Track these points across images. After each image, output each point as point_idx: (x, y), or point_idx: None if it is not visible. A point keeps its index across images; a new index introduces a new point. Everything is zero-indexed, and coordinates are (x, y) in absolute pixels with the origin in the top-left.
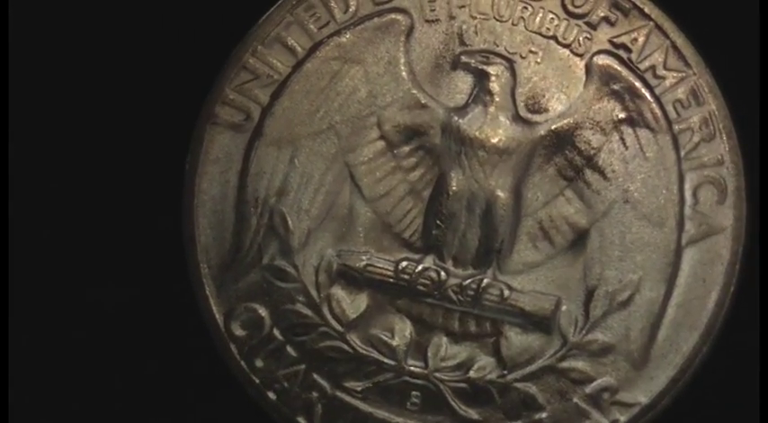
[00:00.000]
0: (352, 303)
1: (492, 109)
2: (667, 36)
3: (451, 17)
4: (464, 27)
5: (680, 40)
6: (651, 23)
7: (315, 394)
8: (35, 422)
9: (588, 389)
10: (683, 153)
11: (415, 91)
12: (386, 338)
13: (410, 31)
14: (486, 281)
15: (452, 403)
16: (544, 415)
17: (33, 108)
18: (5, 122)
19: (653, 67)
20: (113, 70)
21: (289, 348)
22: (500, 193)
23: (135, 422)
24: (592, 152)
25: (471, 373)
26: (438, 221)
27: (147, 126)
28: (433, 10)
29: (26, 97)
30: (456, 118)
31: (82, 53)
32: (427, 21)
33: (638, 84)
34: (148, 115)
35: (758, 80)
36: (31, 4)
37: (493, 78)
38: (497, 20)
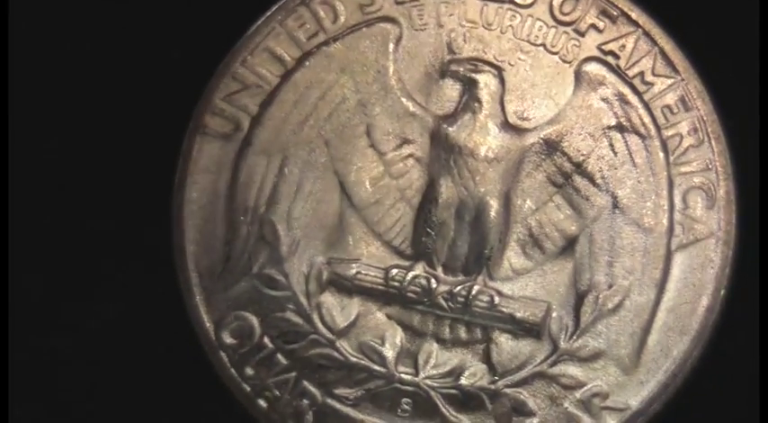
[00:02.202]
0: (343, 311)
1: (481, 117)
2: (655, 42)
3: (440, 25)
4: (453, 35)
5: (668, 45)
6: (639, 30)
7: (305, 402)
8: None
9: (579, 394)
10: (672, 158)
11: (403, 99)
12: (376, 346)
13: (399, 39)
14: (476, 288)
15: (443, 410)
16: (535, 421)
17: (26, 116)
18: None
19: (641, 74)
20: (103, 80)
21: (279, 356)
22: (489, 201)
23: None
24: (581, 158)
25: (462, 380)
26: (428, 229)
27: (137, 136)
28: (422, 18)
29: (20, 105)
30: (445, 126)
31: (72, 62)
32: (416, 29)
33: (626, 90)
34: (138, 125)
35: (748, 84)
36: (25, 17)
37: (482, 86)
38: (486, 28)
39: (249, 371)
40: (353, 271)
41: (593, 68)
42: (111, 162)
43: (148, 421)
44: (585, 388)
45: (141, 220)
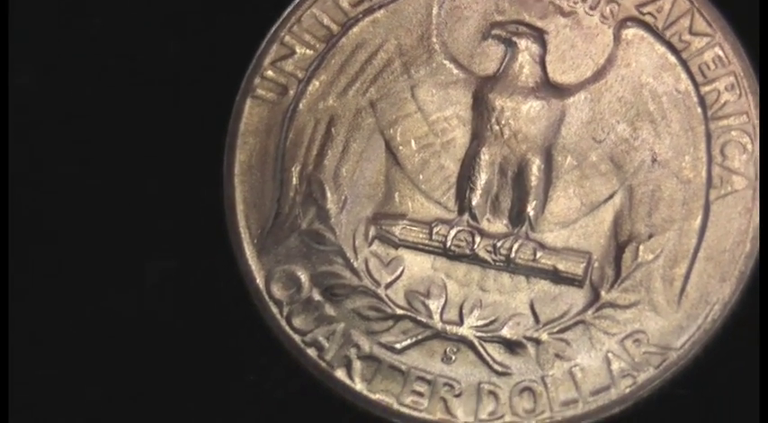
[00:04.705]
0: (389, 264)
1: (522, 77)
2: (692, 2)
3: None
4: None
5: (704, 5)
6: None
7: (353, 351)
8: (76, 387)
9: (620, 340)
10: (709, 113)
11: (447, 62)
12: (422, 297)
13: (442, 3)
14: (518, 241)
15: (487, 358)
16: (577, 365)
17: (74, 78)
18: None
19: (679, 33)
20: (157, 44)
21: (327, 308)
22: (531, 157)
23: (179, 386)
24: (620, 115)
25: (506, 329)
26: (471, 185)
27: (191, 101)
28: None
29: (66, 64)
30: (488, 86)
31: (126, 28)
32: None
33: (664, 49)
34: (191, 90)
35: None
36: None
37: (523, 48)
38: None
39: (298, 323)
40: (399, 227)
41: (632, 29)
42: (164, 126)
43: (203, 373)
44: (626, 334)
45: (195, 180)
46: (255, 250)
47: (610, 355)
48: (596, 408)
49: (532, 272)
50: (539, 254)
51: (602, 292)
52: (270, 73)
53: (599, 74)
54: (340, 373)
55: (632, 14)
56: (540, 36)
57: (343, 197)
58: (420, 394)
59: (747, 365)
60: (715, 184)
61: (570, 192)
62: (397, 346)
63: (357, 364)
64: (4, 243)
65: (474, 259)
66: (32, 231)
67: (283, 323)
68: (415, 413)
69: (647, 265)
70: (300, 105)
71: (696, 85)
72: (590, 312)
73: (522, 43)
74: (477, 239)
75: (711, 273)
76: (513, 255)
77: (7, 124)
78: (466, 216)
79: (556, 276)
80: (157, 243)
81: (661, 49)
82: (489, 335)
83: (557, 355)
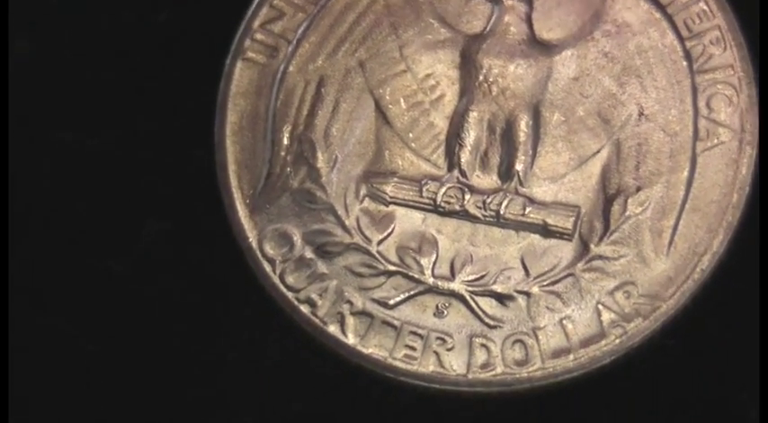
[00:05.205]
0: (380, 222)
1: (510, 35)
2: None
3: None
4: None
5: None
6: None
7: (346, 307)
8: (73, 344)
9: (609, 292)
10: (695, 67)
11: (434, 21)
12: (413, 253)
13: None
14: (508, 196)
15: (479, 311)
16: (567, 317)
17: (66, 42)
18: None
19: None
20: (148, 8)
21: (320, 265)
22: (519, 114)
23: (173, 345)
24: (606, 71)
25: (496, 283)
26: (460, 142)
27: (181, 63)
28: None
29: (57, 29)
30: (476, 45)
31: None
32: None
33: (649, 4)
34: (181, 53)
35: None
36: None
37: (509, 5)
38: None
39: (291, 280)
40: (390, 184)
41: None
42: (157, 89)
43: (196, 330)
44: (615, 286)
45: (186, 142)
46: (248, 210)
47: (600, 306)
48: (587, 359)
49: (522, 226)
50: (528, 209)
51: (592, 245)
52: (260, 35)
53: (585, 30)
54: (333, 329)
55: None
56: None
57: (333, 156)
58: (413, 348)
59: (736, 315)
60: (701, 137)
61: (558, 147)
62: (390, 301)
63: (350, 320)
64: (4, 209)
65: (464, 215)
66: (28, 194)
67: (276, 281)
68: (408, 367)
69: (636, 217)
70: (290, 67)
71: (681, 39)
72: (580, 265)
73: (509, 1)
74: (467, 196)
75: (699, 224)
76: (502, 210)
77: (7, 91)
78: (455, 173)
79: (545, 230)
80: (151, 204)
81: (646, 4)
82: (480, 289)
83: (547, 308)
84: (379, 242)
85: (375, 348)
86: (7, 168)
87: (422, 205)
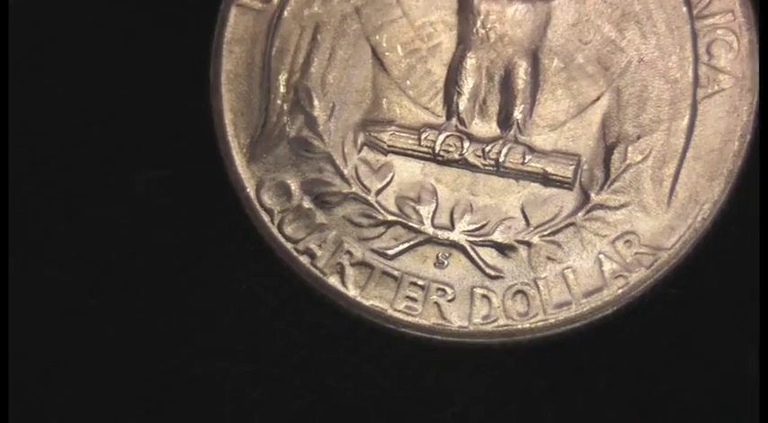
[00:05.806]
0: (379, 170)
1: None
2: None
3: None
4: None
5: None
6: None
7: (346, 258)
8: (72, 294)
9: (611, 241)
10: (695, 12)
11: None
12: (413, 203)
13: None
14: (507, 145)
15: (479, 262)
16: (569, 267)
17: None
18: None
19: None
20: None
21: (319, 216)
22: (518, 61)
23: (172, 296)
24: (605, 16)
25: (497, 232)
26: (458, 90)
27: (174, 11)
28: None
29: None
30: None
31: None
32: None
33: None
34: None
35: None
36: None
37: None
38: None
39: (290, 231)
40: (388, 133)
41: None
42: (151, 38)
43: (196, 282)
44: (617, 235)
45: (182, 91)
46: (245, 159)
47: (601, 256)
48: (589, 309)
49: (522, 175)
50: (528, 157)
51: (592, 194)
52: None
53: None
54: (333, 280)
55: None
56: None
57: (330, 104)
58: (413, 299)
59: (738, 263)
60: (702, 84)
61: (558, 94)
62: (390, 252)
63: (350, 271)
64: (4, 155)
65: (463, 164)
66: (25, 143)
67: (275, 231)
68: (409, 318)
69: (636, 165)
70: (285, 13)
71: None
72: (580, 214)
73: None
74: (466, 144)
75: (700, 172)
76: (502, 159)
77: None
78: (454, 121)
79: (545, 179)
80: (148, 154)
81: None
82: (481, 239)
83: (548, 258)
84: (378, 192)
85: (376, 299)
86: (7, 118)
87: (420, 154)
